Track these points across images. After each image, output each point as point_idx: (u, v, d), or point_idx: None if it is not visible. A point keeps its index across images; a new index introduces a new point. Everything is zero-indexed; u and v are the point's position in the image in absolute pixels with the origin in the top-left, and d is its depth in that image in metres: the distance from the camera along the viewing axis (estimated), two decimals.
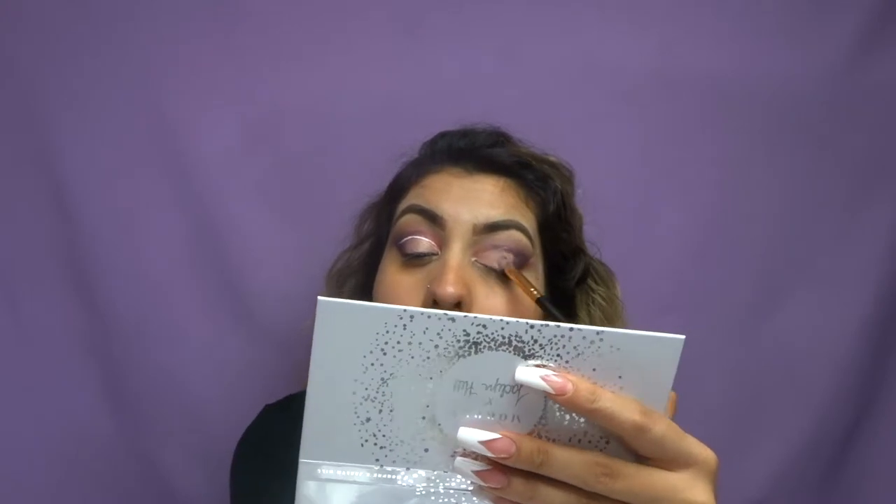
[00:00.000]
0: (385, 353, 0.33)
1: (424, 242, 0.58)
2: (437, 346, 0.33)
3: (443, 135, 0.67)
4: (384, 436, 0.35)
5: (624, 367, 0.33)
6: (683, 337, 0.33)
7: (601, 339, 0.33)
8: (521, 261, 0.58)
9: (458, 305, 0.54)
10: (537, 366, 0.33)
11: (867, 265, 0.86)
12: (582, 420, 0.34)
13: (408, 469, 0.36)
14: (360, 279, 0.69)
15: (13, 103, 0.81)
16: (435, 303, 0.54)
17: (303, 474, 0.36)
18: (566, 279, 0.64)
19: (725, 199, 0.86)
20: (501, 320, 0.33)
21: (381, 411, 0.35)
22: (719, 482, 0.35)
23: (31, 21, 0.81)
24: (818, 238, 0.86)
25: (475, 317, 0.33)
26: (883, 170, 0.86)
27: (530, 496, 0.33)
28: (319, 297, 0.33)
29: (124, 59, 0.81)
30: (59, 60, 0.81)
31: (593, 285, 0.67)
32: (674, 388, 0.36)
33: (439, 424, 0.35)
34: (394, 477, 0.36)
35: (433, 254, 0.58)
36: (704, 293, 0.86)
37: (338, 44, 0.83)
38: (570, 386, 0.32)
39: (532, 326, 0.33)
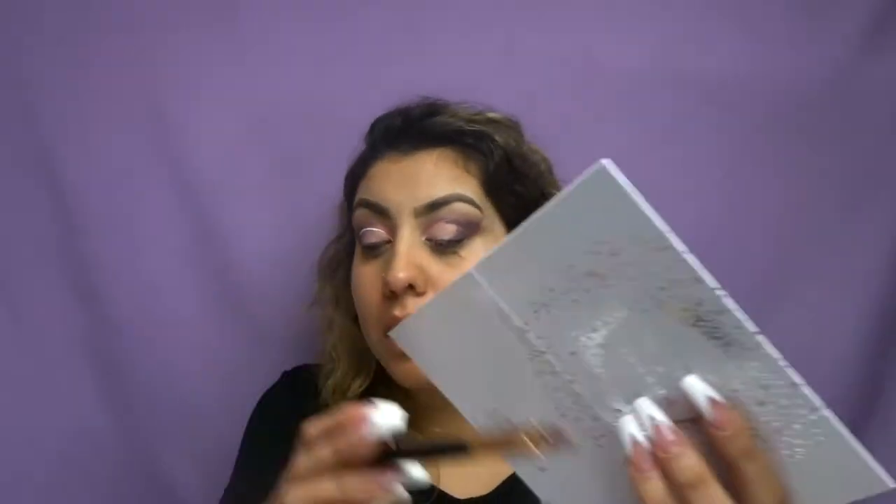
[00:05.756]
0: (615, 256, 0.32)
1: (376, 233, 0.60)
2: (663, 289, 0.31)
3: (378, 119, 0.68)
4: (552, 312, 0.34)
5: (814, 456, 0.31)
6: (893, 486, 0.31)
7: (816, 418, 0.30)
8: (471, 230, 0.58)
9: (411, 288, 0.56)
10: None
11: (869, 265, 0.85)
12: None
13: (549, 348, 0.35)
14: (348, 268, 0.69)
15: (13, 103, 0.81)
16: (392, 292, 0.56)
17: (474, 267, 0.36)
18: None
19: (726, 199, 0.86)
20: (756, 337, 0.31)
21: (565, 293, 0.33)
22: None
23: (31, 21, 0.81)
24: (820, 238, 0.86)
25: (750, 328, 0.31)
26: (885, 169, 0.85)
27: (695, 481, 0.32)
28: (603, 161, 0.30)
29: (124, 59, 0.81)
30: (59, 60, 0.81)
31: None
32: None
33: (605, 344, 0.34)
34: (528, 336, 0.35)
35: (387, 242, 0.60)
36: None
37: (337, 43, 0.83)
38: (732, 428, 0.31)
39: (783, 368, 0.31)
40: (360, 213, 0.61)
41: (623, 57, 0.84)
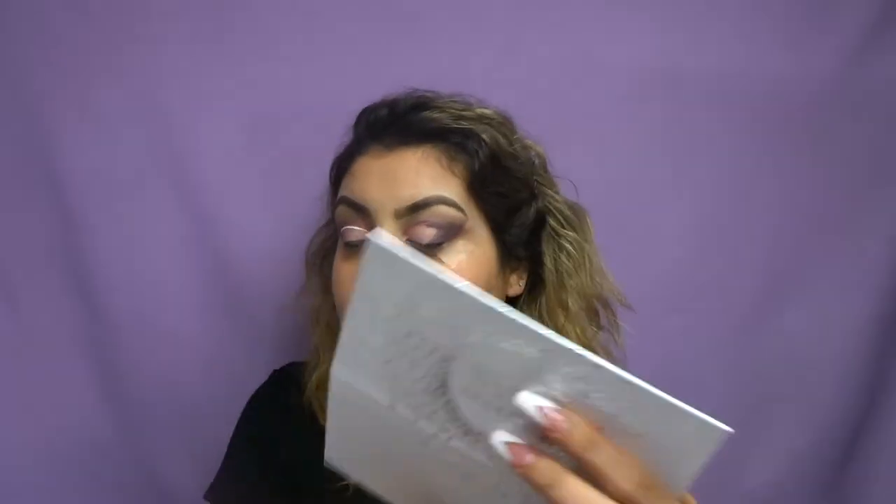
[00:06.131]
0: (413, 313, 0.33)
1: (357, 231, 0.59)
2: (465, 325, 0.32)
3: (365, 110, 0.66)
4: (399, 382, 0.36)
5: (653, 427, 0.32)
6: (730, 430, 0.32)
7: (634, 392, 0.31)
8: (453, 232, 0.57)
9: None
10: (544, 393, 0.33)
11: (870, 265, 0.86)
12: None
13: (417, 416, 0.36)
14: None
15: (13, 103, 0.81)
16: None
17: (334, 370, 0.38)
18: (516, 230, 0.61)
19: (728, 199, 0.86)
20: (557, 342, 0.31)
21: (399, 359, 0.35)
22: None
23: (31, 21, 0.81)
24: (822, 237, 0.86)
25: (539, 330, 0.31)
26: (885, 169, 0.86)
27: (552, 482, 0.33)
28: (369, 235, 0.33)
29: (124, 58, 0.81)
30: (59, 61, 0.81)
31: (559, 229, 0.64)
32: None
33: (449, 397, 0.35)
34: (399, 413, 0.36)
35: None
36: (708, 293, 0.86)
37: (337, 42, 0.83)
38: (565, 425, 0.32)
39: (583, 356, 0.31)
40: (341, 210, 0.60)
41: (623, 57, 0.84)
